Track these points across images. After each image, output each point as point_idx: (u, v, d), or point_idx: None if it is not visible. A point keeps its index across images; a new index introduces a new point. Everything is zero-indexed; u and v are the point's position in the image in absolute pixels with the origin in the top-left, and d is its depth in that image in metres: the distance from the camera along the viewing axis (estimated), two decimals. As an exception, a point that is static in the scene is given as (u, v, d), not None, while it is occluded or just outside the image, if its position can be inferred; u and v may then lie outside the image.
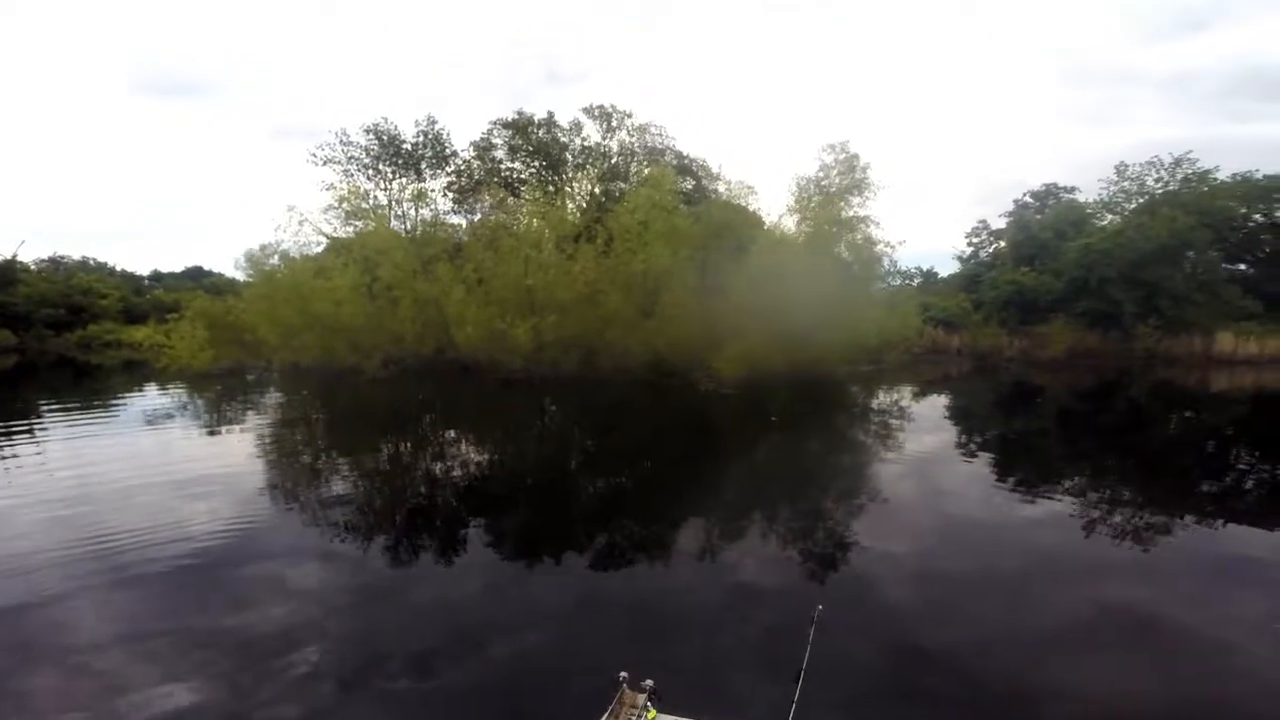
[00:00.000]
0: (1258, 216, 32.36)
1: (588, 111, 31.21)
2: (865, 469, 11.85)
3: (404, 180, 28.24)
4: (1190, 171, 32.52)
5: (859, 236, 22.16)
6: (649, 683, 3.46)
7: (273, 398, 19.31)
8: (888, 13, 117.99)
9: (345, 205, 23.75)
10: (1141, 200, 32.62)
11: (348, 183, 26.05)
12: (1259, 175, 32.31)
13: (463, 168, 31.08)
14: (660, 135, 31.79)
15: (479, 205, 27.80)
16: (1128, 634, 5.58)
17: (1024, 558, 7.48)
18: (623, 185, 30.17)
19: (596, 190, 31.09)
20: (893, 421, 16.43)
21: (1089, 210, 32.99)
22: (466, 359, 19.09)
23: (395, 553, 7.14)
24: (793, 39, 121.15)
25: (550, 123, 31.25)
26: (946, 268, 33.81)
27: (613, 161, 31.74)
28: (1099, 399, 20.74)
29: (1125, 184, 33.69)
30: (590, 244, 20.37)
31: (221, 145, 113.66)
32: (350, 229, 24.21)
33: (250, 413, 16.80)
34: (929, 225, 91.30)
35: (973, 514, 9.21)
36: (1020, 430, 16.38)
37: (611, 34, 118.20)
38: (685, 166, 31.73)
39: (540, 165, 31.53)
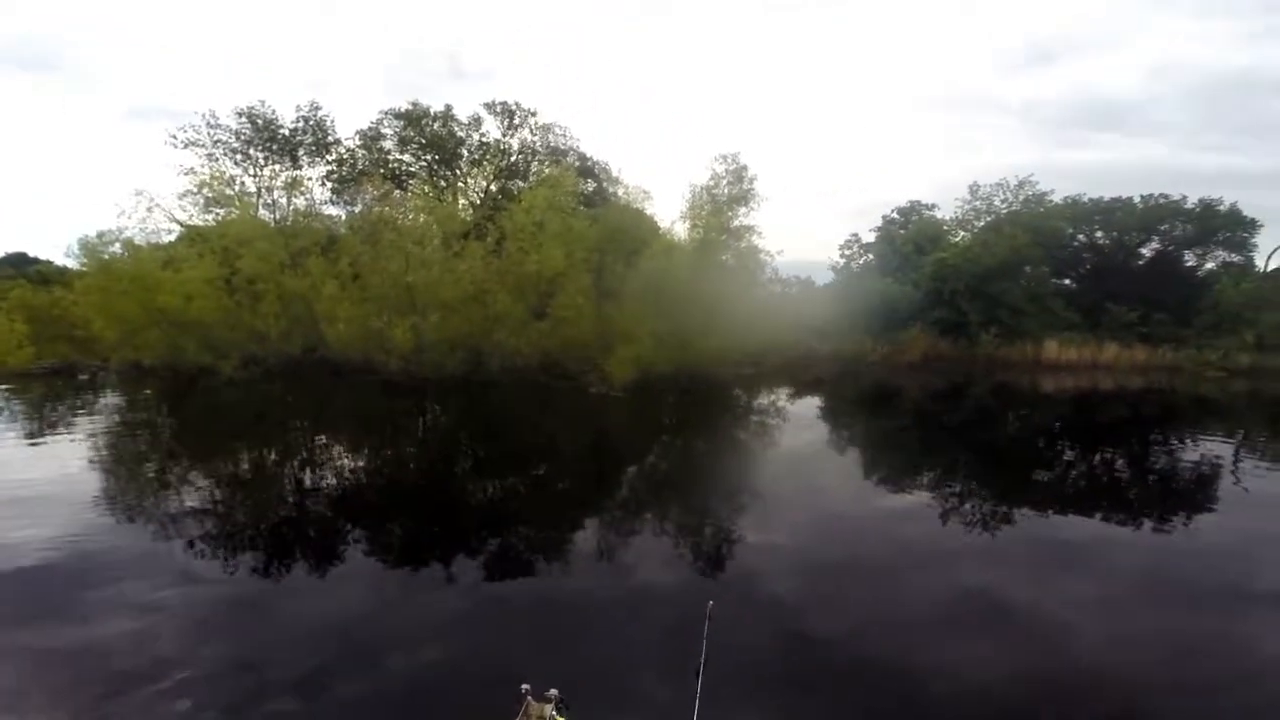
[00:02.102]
0: (1081, 237, 37.41)
1: (489, 107, 30.38)
2: (749, 467, 12.39)
3: (277, 167, 26.11)
4: (1030, 193, 36.56)
5: (744, 245, 23.16)
6: (553, 692, 3.42)
7: (110, 401, 17.15)
8: (782, 40, 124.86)
9: (206, 191, 21.54)
10: (989, 218, 36.40)
11: (211, 167, 23.75)
12: (1085, 199, 37.43)
13: (345, 157, 29.24)
14: (564, 136, 31.49)
15: (361, 197, 26.23)
16: (984, 615, 6.22)
17: (892, 546, 8.13)
18: (521, 184, 29.59)
19: (493, 188, 30.37)
20: (772, 421, 17.32)
21: (945, 227, 36.33)
22: (338, 359, 17.91)
23: (266, 567, 6.64)
24: (698, 54, 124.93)
25: (447, 116, 30.05)
26: (822, 278, 36.03)
27: (512, 159, 31.06)
28: (949, 399, 23.01)
29: (977, 203, 37.50)
30: (480, 242, 19.85)
31: (65, 125, 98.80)
32: (210, 217, 22.03)
33: (82, 417, 14.84)
34: (809, 237, 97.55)
35: (846, 508, 9.90)
36: (883, 428, 17.78)
37: (520, 32, 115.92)
38: (588, 168, 31.61)
39: (432, 159, 30.28)
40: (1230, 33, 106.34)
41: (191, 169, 22.64)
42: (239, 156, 25.57)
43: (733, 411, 19.11)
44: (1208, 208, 35.48)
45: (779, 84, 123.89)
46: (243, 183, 24.62)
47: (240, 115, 25.53)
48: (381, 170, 28.58)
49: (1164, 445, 16.15)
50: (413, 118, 29.51)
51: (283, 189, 24.65)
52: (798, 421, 17.19)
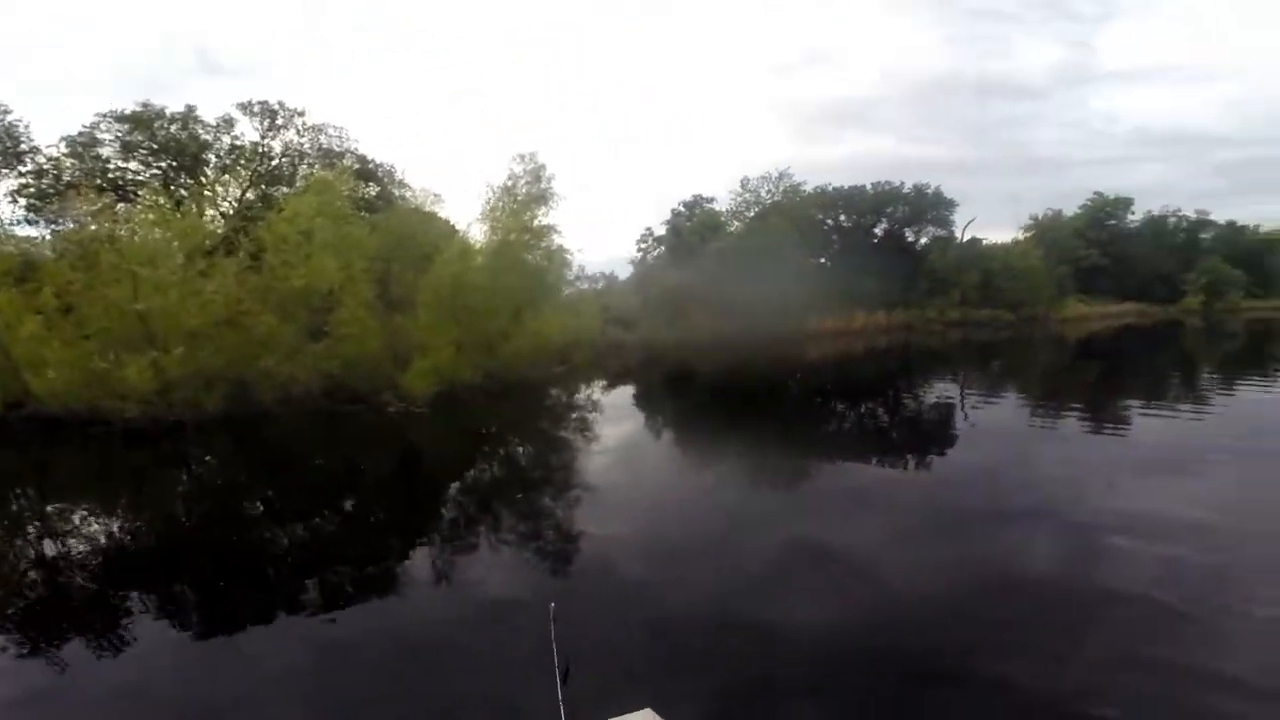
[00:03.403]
0: (829, 221, 44.00)
1: (244, 107, 26.54)
2: (574, 463, 12.49)
3: (-59, 182, 20.17)
4: (789, 185, 41.63)
5: (546, 244, 23.28)
6: None
7: None
8: (574, 39, 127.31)
9: None
10: (757, 209, 40.84)
11: None
12: (830, 188, 44.06)
13: (47, 167, 23.62)
14: (339, 136, 28.59)
15: (69, 214, 21.28)
16: (812, 562, 6.92)
17: (719, 516, 8.72)
18: (286, 190, 26.42)
19: (250, 195, 26.69)
20: (589, 415, 17.80)
21: (722, 218, 40.33)
22: (55, 412, 14.41)
23: (22, 651, 5.49)
24: (488, 55, 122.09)
25: (188, 117, 25.63)
26: (625, 272, 38.04)
27: (274, 164, 27.64)
28: (737, 373, 25.65)
29: (746, 195, 41.79)
30: (233, 258, 17.33)
31: None
32: None
33: None
34: (613, 235, 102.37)
35: (672, 488, 10.56)
36: (688, 408, 19.34)
37: (291, 23, 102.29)
38: (369, 171, 29.13)
39: (169, 166, 25.72)
40: (939, 40, 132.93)
41: None
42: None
43: (549, 411, 19.24)
44: (919, 192, 43.92)
45: (577, 86, 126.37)
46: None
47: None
48: (98, 181, 23.51)
49: (909, 392, 19.80)
50: (141, 120, 24.73)
51: (-52, 208, 19.14)
52: (613, 412, 17.92)
